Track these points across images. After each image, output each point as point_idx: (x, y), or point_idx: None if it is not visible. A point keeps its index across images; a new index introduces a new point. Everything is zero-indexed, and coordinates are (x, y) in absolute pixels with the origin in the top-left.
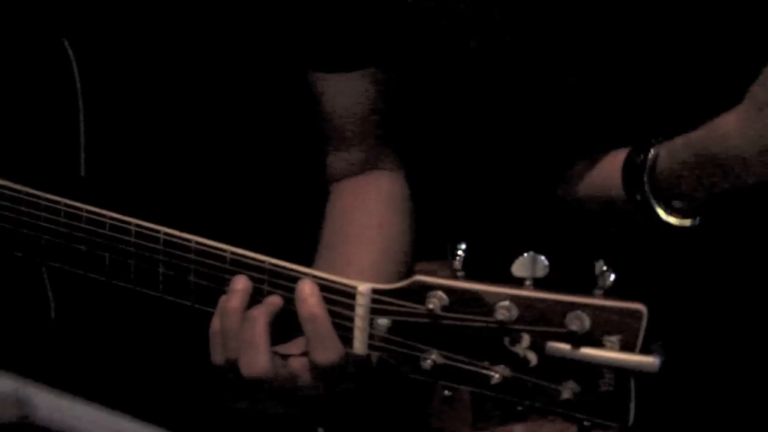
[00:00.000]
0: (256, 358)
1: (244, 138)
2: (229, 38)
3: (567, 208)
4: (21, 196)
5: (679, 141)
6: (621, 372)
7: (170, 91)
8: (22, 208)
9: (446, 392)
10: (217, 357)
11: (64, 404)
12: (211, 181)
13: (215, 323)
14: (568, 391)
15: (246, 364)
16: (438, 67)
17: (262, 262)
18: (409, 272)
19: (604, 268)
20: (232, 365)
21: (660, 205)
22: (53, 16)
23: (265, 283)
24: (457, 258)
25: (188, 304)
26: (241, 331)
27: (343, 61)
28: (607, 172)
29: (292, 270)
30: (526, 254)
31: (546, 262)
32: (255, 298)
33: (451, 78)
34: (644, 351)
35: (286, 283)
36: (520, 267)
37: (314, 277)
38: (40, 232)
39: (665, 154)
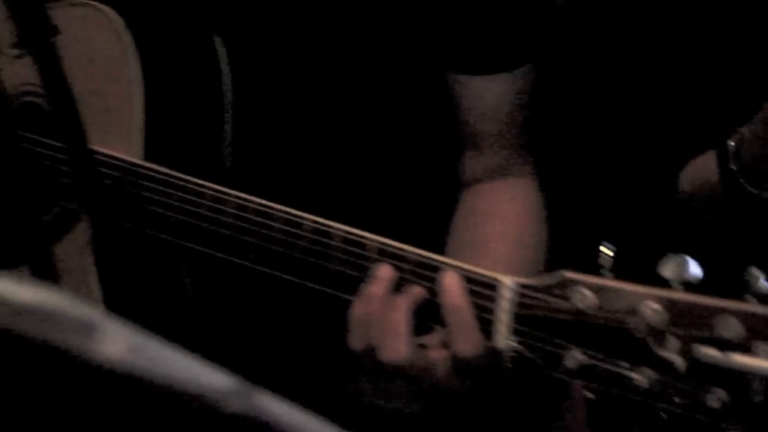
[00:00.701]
0: (398, 344)
1: (380, 134)
2: (373, 37)
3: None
4: (171, 180)
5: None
6: None
7: (313, 88)
8: (171, 191)
9: (588, 394)
10: (357, 342)
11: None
12: (349, 176)
13: (358, 309)
14: (715, 399)
15: (387, 350)
16: (578, 65)
17: (406, 251)
18: None
19: (757, 273)
20: (372, 351)
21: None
22: (205, 13)
23: (408, 272)
24: (606, 257)
25: (329, 290)
26: (384, 317)
27: (489, 63)
28: (704, 161)
29: (435, 260)
30: (676, 255)
31: (697, 266)
32: (397, 287)
33: (590, 75)
34: None
35: (429, 274)
36: (669, 268)
37: (458, 268)
38: (187, 216)
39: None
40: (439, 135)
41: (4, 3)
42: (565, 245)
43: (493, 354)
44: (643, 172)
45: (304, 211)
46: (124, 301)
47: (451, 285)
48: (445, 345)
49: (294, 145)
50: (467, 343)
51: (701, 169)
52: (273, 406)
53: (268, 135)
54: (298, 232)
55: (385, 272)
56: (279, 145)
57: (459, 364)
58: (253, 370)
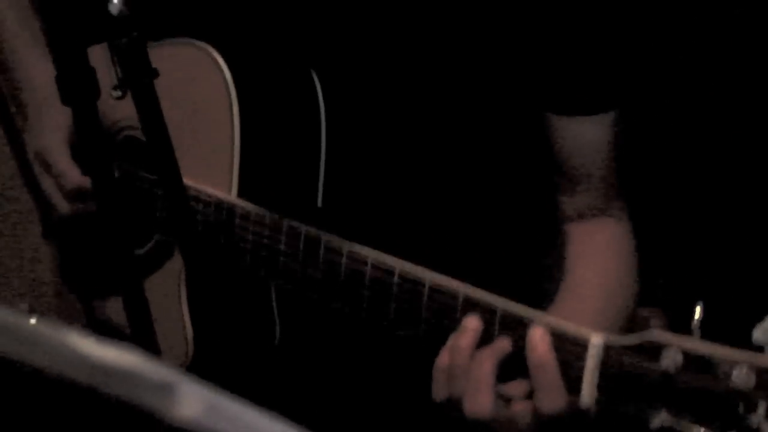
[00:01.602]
0: (481, 398)
1: (473, 177)
2: (470, 80)
3: None
4: (264, 220)
5: None
6: None
7: (407, 126)
8: (264, 231)
9: None
10: (440, 393)
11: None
12: (438, 218)
13: (443, 359)
14: None
15: (470, 403)
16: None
17: (495, 303)
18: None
19: None
20: (455, 402)
21: None
22: (304, 48)
23: (496, 324)
24: (696, 317)
25: (417, 337)
26: (470, 369)
27: (587, 105)
28: None
29: (524, 314)
30: None
31: None
32: (484, 337)
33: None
34: None
35: (517, 326)
36: (762, 333)
37: (546, 323)
38: (278, 255)
39: None
40: (532, 177)
41: (109, 48)
42: (657, 294)
43: (578, 410)
44: (745, 232)
45: (392, 253)
46: (213, 338)
47: (539, 341)
48: (529, 397)
49: (385, 185)
50: (551, 399)
51: None
52: None
53: (359, 175)
54: (388, 280)
55: (472, 323)
56: (370, 186)
57: (542, 419)
58: (334, 420)
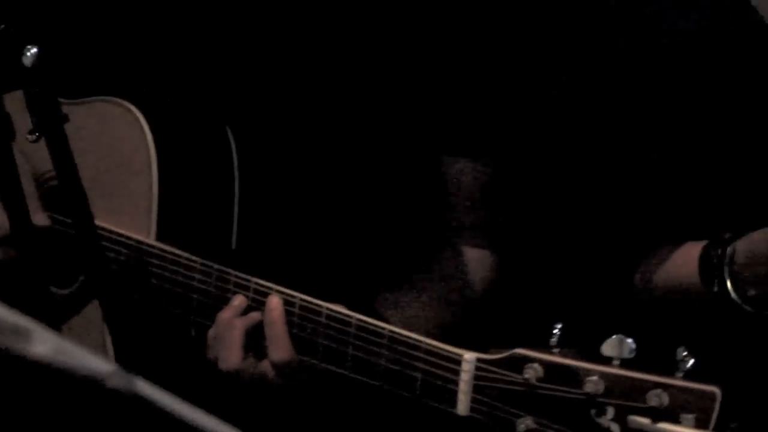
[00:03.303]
0: (230, 356)
1: (377, 220)
2: (375, 123)
3: (642, 296)
4: (179, 259)
5: (756, 236)
6: None
7: (314, 175)
8: (179, 269)
9: None
10: (209, 353)
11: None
12: (354, 261)
13: (211, 329)
14: None
15: (222, 360)
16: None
17: (383, 329)
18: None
19: (685, 353)
20: (215, 360)
21: (737, 295)
22: (218, 105)
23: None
24: (554, 335)
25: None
26: (224, 335)
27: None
28: (683, 263)
29: (409, 338)
30: (615, 336)
31: (633, 345)
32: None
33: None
34: (718, 430)
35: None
36: (609, 347)
37: (427, 343)
38: (192, 292)
39: (743, 248)
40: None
41: (25, 96)
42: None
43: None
44: (602, 261)
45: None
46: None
47: (274, 306)
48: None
49: (296, 229)
50: (277, 351)
51: (681, 270)
52: (153, 390)
53: (271, 220)
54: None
55: (236, 301)
56: (282, 230)
57: (275, 370)
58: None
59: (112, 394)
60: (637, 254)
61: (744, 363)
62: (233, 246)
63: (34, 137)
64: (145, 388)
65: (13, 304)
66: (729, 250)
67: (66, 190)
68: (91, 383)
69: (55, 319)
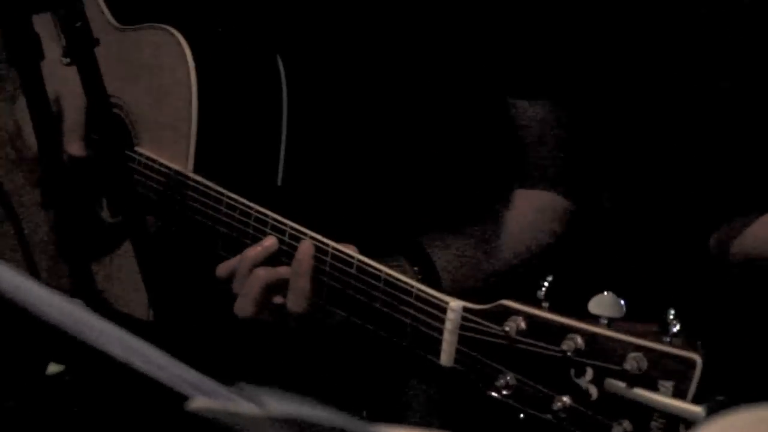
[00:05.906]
0: (246, 304)
1: (427, 154)
2: (432, 68)
3: (719, 260)
4: (212, 192)
5: None
6: (672, 418)
7: (367, 111)
8: (209, 202)
9: (521, 415)
10: (221, 271)
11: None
12: (397, 200)
13: (233, 260)
14: (621, 429)
15: (238, 304)
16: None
17: (380, 271)
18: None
19: (672, 316)
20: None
21: None
22: (271, 33)
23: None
24: (543, 288)
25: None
26: (246, 279)
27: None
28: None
29: (403, 281)
30: (605, 293)
31: (622, 304)
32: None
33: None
34: (700, 400)
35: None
36: (596, 305)
37: (416, 287)
38: (223, 226)
39: None
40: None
41: (55, 18)
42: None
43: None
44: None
45: (341, 233)
46: (166, 303)
47: (305, 253)
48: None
49: (345, 164)
50: (297, 301)
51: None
52: None
53: (319, 157)
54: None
55: (268, 242)
56: (329, 167)
57: (293, 318)
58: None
59: None
60: (715, 218)
61: (741, 334)
62: (279, 182)
63: (68, 60)
64: None
65: (69, 228)
66: None
67: (94, 109)
68: None
69: (105, 244)
